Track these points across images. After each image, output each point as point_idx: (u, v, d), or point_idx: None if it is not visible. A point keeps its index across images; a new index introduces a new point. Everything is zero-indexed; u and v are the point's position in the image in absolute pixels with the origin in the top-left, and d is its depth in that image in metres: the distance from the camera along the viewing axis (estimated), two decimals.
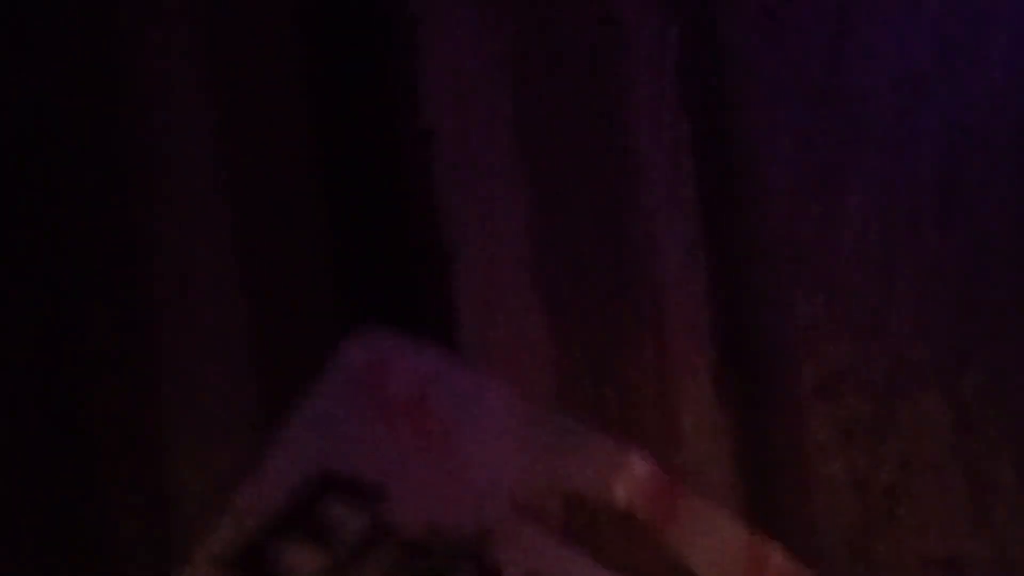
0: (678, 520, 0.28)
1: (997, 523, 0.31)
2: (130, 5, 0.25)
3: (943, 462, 0.31)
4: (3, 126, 0.26)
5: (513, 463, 0.26)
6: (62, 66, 0.25)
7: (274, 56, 0.27)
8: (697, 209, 0.28)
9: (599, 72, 0.29)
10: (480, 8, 0.28)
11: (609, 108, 0.28)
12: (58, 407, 0.23)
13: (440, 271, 0.25)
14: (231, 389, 0.24)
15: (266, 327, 0.24)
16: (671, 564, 0.28)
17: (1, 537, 0.24)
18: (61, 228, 0.24)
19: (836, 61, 0.31)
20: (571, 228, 0.27)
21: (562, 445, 0.27)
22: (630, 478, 0.27)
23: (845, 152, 0.30)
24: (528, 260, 0.27)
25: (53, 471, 0.24)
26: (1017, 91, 0.32)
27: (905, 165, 0.31)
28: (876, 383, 0.31)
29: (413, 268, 0.25)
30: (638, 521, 0.27)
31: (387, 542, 0.25)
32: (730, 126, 0.29)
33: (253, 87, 0.28)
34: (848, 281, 0.30)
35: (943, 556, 0.31)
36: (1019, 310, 0.31)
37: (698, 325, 0.28)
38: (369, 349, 0.25)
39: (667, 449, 0.28)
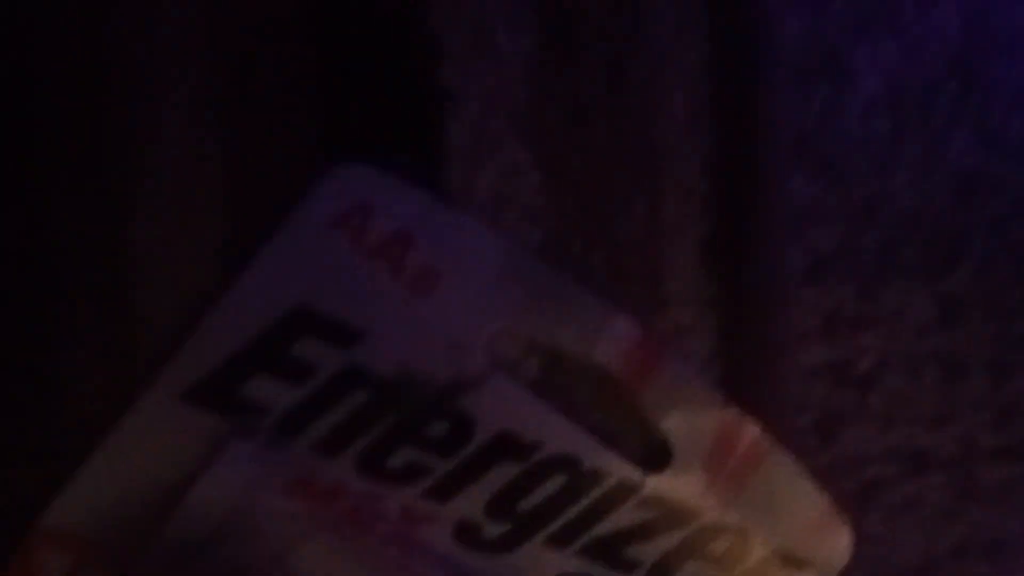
0: (655, 384, 0.27)
1: (964, 420, 0.31)
2: None
3: (920, 356, 0.31)
4: None
5: (494, 313, 0.25)
6: None
7: None
8: (702, 78, 0.27)
9: None
10: None
11: None
12: (18, 226, 0.22)
13: (432, 114, 0.24)
14: (204, 216, 0.23)
15: (244, 154, 0.23)
16: (644, 427, 0.27)
17: None
18: (34, 51, 0.22)
19: None
20: (571, 83, 0.26)
21: (546, 300, 0.26)
22: (612, 338, 0.27)
23: (858, 37, 0.29)
24: (525, 111, 0.26)
25: (10, 291, 0.23)
26: None
27: (920, 56, 0.30)
28: (864, 272, 0.30)
29: (403, 107, 0.24)
30: (616, 382, 0.27)
31: (359, 385, 0.24)
32: None
33: None
34: (848, 167, 0.29)
35: (909, 449, 0.31)
36: (1020, 211, 0.30)
37: (693, 195, 0.27)
38: (352, 186, 0.24)
39: (650, 314, 0.27)
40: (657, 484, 0.27)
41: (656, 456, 0.27)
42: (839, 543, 0.29)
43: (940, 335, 0.31)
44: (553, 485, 0.26)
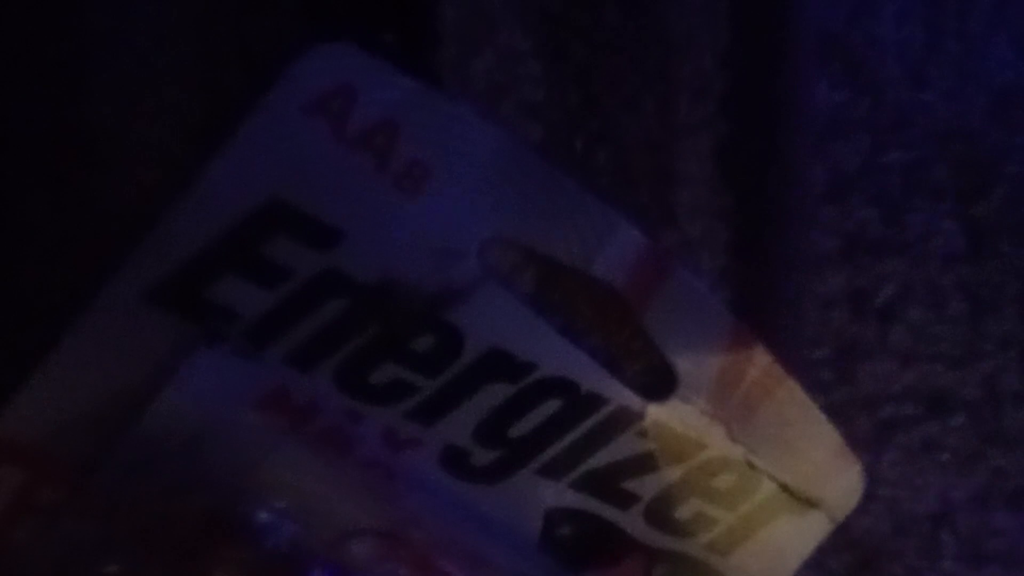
0: (660, 302, 0.25)
1: (989, 359, 0.29)
2: None
3: (945, 287, 0.29)
4: None
5: (487, 217, 0.23)
6: None
7: None
8: None
9: None
10: None
11: None
12: None
13: None
14: (172, 98, 0.21)
15: (217, 29, 0.21)
16: (647, 349, 0.25)
17: None
18: None
19: None
20: None
21: (544, 204, 0.24)
22: (615, 250, 0.25)
23: None
24: None
25: None
26: None
27: None
28: (889, 193, 0.28)
29: None
30: (618, 299, 0.25)
31: (338, 292, 0.22)
32: None
33: None
34: (877, 77, 0.27)
35: (929, 388, 0.29)
36: None
37: (708, 96, 0.25)
38: (333, 67, 0.21)
39: (657, 224, 0.25)
40: (659, 413, 0.25)
41: (659, 382, 0.25)
42: (851, 484, 0.27)
43: (967, 265, 0.29)
44: (547, 410, 0.24)
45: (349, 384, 0.23)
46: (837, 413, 0.28)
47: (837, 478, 0.27)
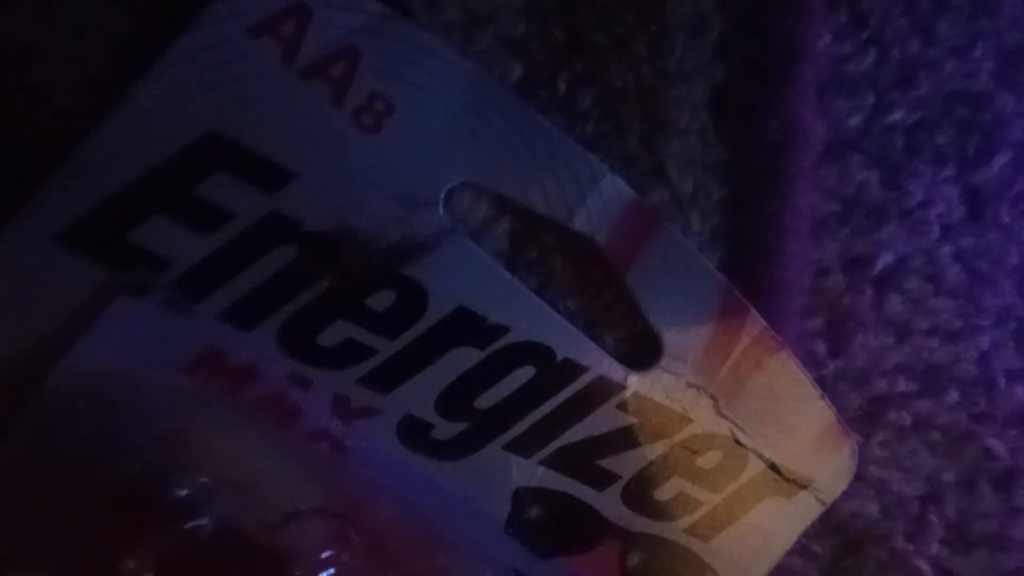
0: (645, 263, 0.22)
1: (984, 334, 0.26)
2: None
3: (943, 257, 0.26)
4: None
5: (457, 161, 0.20)
6: None
7: None
8: None
9: None
10: None
11: None
12: None
13: None
14: (98, 8, 0.17)
15: None
16: (630, 314, 0.22)
17: None
18: None
19: None
20: None
21: (521, 149, 0.21)
22: (598, 203, 0.22)
23: None
24: None
25: None
26: None
27: None
28: (890, 154, 0.25)
29: None
30: (600, 257, 0.21)
31: (286, 240, 0.19)
32: None
33: None
34: (883, 29, 0.24)
35: (922, 363, 0.26)
36: None
37: (704, 39, 0.21)
38: None
39: (645, 178, 0.22)
40: (641, 384, 0.22)
41: (642, 350, 0.22)
42: (843, 463, 0.24)
43: (965, 235, 0.26)
44: (519, 379, 0.21)
45: (295, 345, 0.19)
46: (828, 388, 0.25)
47: (829, 457, 0.24)
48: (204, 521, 0.16)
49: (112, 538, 0.16)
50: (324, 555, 0.17)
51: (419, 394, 0.20)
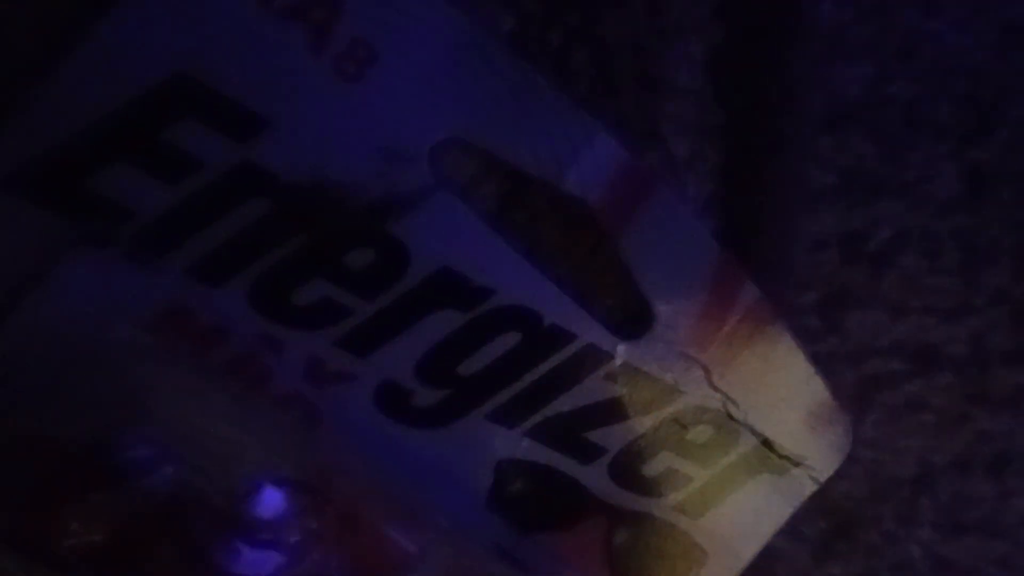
0: (638, 227, 0.20)
1: (980, 314, 0.25)
2: None
3: (940, 234, 0.24)
4: None
5: (443, 113, 0.18)
6: None
7: None
8: None
9: None
10: None
11: None
12: None
13: None
14: None
15: None
16: (622, 280, 0.20)
17: None
18: None
19: None
20: None
21: (510, 103, 0.19)
22: (590, 163, 0.20)
23: None
24: None
25: None
26: None
27: None
28: (890, 126, 0.23)
29: None
30: (591, 220, 0.20)
31: (258, 191, 0.17)
32: None
33: None
34: None
35: (917, 342, 0.24)
36: None
37: (700, 1, 0.20)
38: None
39: (640, 139, 0.20)
40: (632, 353, 0.20)
41: (633, 317, 0.20)
42: (837, 441, 0.23)
43: (964, 212, 0.25)
44: (503, 344, 0.19)
45: (267, 303, 0.17)
46: (822, 365, 0.23)
47: (823, 434, 0.22)
48: (160, 485, 0.14)
49: (57, 501, 0.14)
50: (291, 525, 0.15)
51: (398, 358, 0.19)
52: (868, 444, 0.25)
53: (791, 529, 0.24)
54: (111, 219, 0.16)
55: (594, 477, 0.21)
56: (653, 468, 0.21)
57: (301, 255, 0.18)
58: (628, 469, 0.21)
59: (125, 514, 0.14)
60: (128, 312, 0.17)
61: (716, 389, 0.21)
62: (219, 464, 0.15)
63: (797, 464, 0.22)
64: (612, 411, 0.20)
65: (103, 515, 0.14)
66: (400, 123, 0.18)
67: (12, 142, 0.16)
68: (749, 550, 0.23)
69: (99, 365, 0.15)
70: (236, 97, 0.17)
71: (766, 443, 0.22)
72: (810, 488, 0.22)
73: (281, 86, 0.17)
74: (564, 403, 0.20)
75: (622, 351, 0.20)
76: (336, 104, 0.17)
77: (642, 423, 0.21)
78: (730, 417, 0.21)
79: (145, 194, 0.17)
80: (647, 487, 0.21)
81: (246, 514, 0.15)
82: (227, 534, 0.15)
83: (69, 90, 0.16)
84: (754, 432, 0.21)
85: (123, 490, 0.14)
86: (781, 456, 0.22)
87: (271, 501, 0.16)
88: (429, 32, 0.18)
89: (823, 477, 0.23)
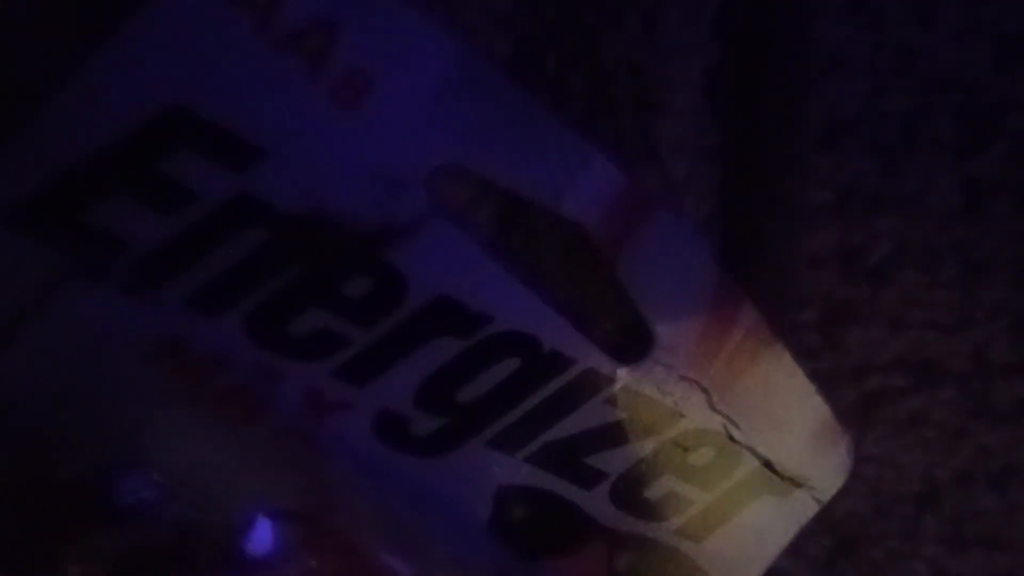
0: (637, 250, 0.20)
1: (980, 328, 0.25)
2: None
3: (939, 249, 0.24)
4: None
5: (440, 141, 0.18)
6: None
7: None
8: None
9: None
10: None
11: None
12: None
13: None
14: None
15: None
16: (620, 304, 0.20)
17: None
18: None
19: None
20: None
21: (507, 129, 0.18)
22: (587, 187, 0.20)
23: None
24: None
25: None
26: None
27: None
28: (887, 142, 0.23)
29: None
30: (589, 244, 0.20)
31: (255, 222, 0.17)
32: None
33: None
34: (881, 15, 0.22)
35: (918, 357, 0.24)
36: None
37: (700, 17, 0.20)
38: None
39: (637, 162, 0.20)
40: (632, 377, 0.20)
41: (633, 341, 0.20)
42: (839, 460, 0.22)
43: (962, 226, 0.25)
44: (503, 371, 0.19)
45: (264, 334, 0.17)
46: (823, 383, 0.23)
47: (825, 454, 0.22)
48: (158, 524, 0.14)
49: (55, 542, 0.14)
50: (291, 560, 0.15)
51: (397, 387, 0.18)
52: (871, 460, 0.24)
53: (794, 548, 0.23)
54: (107, 252, 0.16)
55: (595, 502, 0.20)
56: (655, 492, 0.21)
57: (298, 285, 0.17)
58: (629, 493, 0.20)
59: (124, 554, 0.14)
60: (123, 345, 0.16)
61: (717, 412, 0.21)
62: (217, 499, 0.15)
63: (800, 485, 0.22)
64: (613, 435, 0.20)
65: (102, 555, 0.13)
66: (397, 151, 0.18)
67: (6, 174, 0.16)
68: (752, 572, 0.22)
69: (96, 400, 0.15)
70: (232, 128, 0.16)
71: (768, 465, 0.21)
72: (813, 509, 0.22)
73: (277, 116, 0.17)
74: (564, 428, 0.20)
75: (622, 375, 0.20)
76: (333, 133, 0.17)
77: (643, 447, 0.20)
78: (731, 439, 0.21)
79: (141, 226, 0.16)
80: (649, 511, 0.21)
81: (244, 549, 0.15)
82: (227, 571, 0.15)
83: (64, 123, 0.16)
84: (756, 454, 0.21)
85: (122, 529, 0.14)
86: (784, 478, 0.22)
87: (269, 535, 0.16)
88: (426, 59, 0.17)
89: (826, 497, 0.22)
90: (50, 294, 0.16)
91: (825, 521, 0.25)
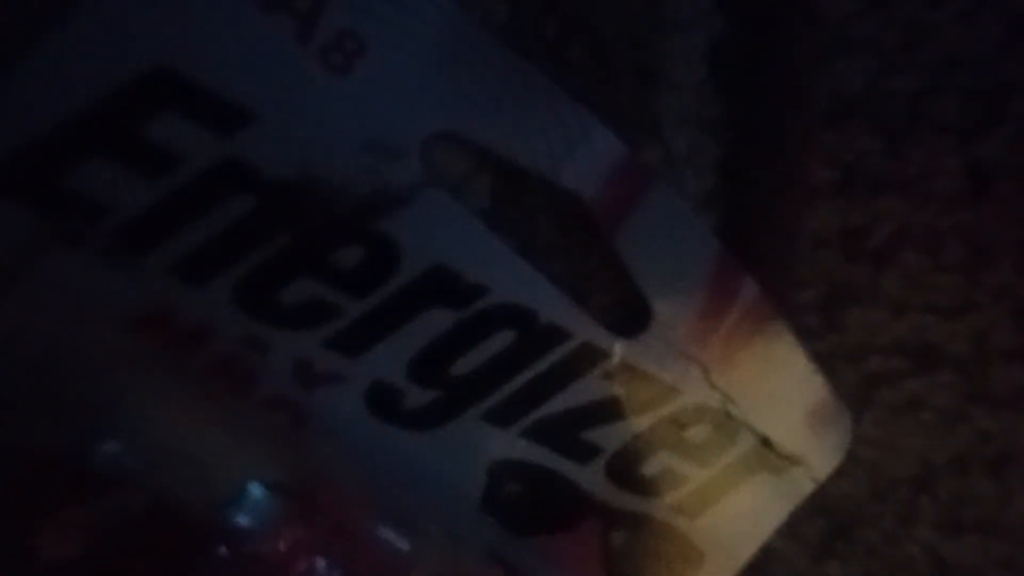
0: (636, 223, 0.19)
1: (981, 313, 0.24)
2: None
3: (942, 231, 0.23)
4: None
5: (434, 107, 0.17)
6: None
7: None
8: None
9: None
10: None
11: None
12: None
13: None
14: None
15: None
16: (619, 278, 0.19)
17: None
18: None
19: None
20: None
21: (504, 96, 0.18)
22: (587, 158, 0.19)
23: None
24: None
25: None
26: None
27: None
28: (893, 121, 0.22)
29: None
30: (587, 216, 0.19)
31: (243, 187, 0.16)
32: None
33: None
34: None
35: (918, 340, 0.23)
36: None
37: None
38: None
39: (638, 134, 0.19)
40: (629, 351, 0.19)
41: (630, 315, 0.19)
42: (837, 440, 0.22)
43: (966, 209, 0.24)
44: (498, 343, 0.18)
45: (253, 303, 0.16)
46: (822, 364, 0.22)
47: (822, 433, 0.21)
48: (139, 495, 0.13)
49: (31, 511, 0.13)
50: (279, 532, 0.15)
51: (389, 359, 0.18)
52: (868, 443, 0.24)
53: (790, 529, 0.23)
54: (87, 216, 0.15)
55: (590, 478, 0.20)
56: (650, 468, 0.20)
57: (287, 253, 0.17)
58: (625, 469, 0.20)
59: (103, 527, 0.13)
60: (105, 313, 0.16)
61: (715, 388, 0.20)
62: (201, 472, 0.14)
63: (796, 463, 0.21)
64: (609, 410, 0.19)
65: (80, 528, 0.13)
66: (390, 117, 0.17)
67: None
68: (747, 550, 0.22)
69: (74, 370, 0.14)
70: (218, 90, 0.16)
71: (765, 442, 0.20)
72: (809, 488, 0.21)
73: (265, 79, 0.16)
74: (560, 403, 0.19)
75: (619, 350, 0.19)
76: (323, 97, 0.16)
77: (639, 422, 0.20)
78: (729, 416, 0.20)
79: (123, 191, 0.16)
80: (644, 487, 0.20)
81: (232, 521, 0.14)
82: (211, 545, 0.14)
83: (43, 83, 0.15)
84: (753, 431, 0.20)
85: (101, 501, 0.13)
86: (780, 455, 0.21)
87: (257, 508, 0.15)
88: (420, 23, 0.17)
89: (822, 476, 0.22)
90: (28, 259, 0.15)
91: (820, 502, 0.24)
